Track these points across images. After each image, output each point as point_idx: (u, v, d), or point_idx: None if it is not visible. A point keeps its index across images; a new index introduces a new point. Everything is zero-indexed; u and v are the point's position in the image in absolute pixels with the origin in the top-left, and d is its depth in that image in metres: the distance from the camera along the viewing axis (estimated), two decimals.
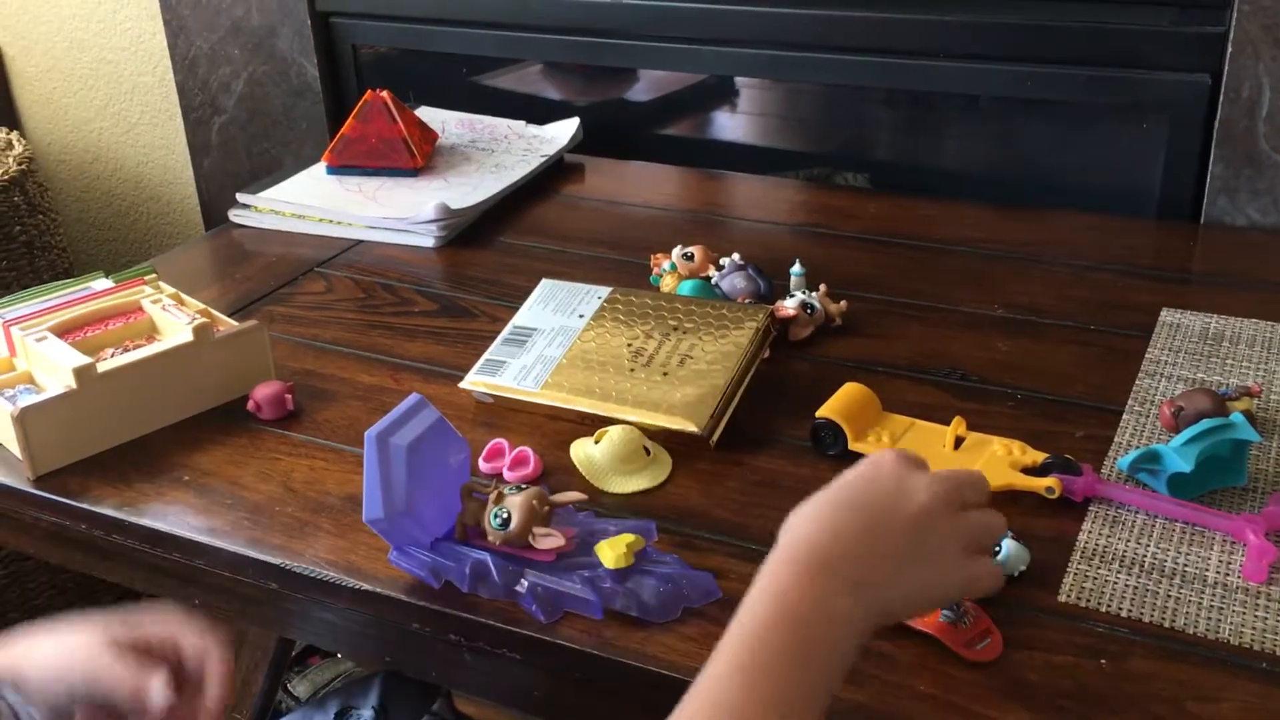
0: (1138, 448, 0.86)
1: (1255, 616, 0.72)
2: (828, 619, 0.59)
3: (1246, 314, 1.06)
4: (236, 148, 1.80)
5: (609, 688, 0.75)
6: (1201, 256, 1.22)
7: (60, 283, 1.07)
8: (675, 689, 0.69)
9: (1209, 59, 1.24)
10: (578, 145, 1.52)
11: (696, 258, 1.14)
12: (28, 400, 0.91)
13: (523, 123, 1.56)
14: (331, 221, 1.34)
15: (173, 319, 1.00)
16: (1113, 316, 1.08)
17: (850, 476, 0.66)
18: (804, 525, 0.64)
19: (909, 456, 0.67)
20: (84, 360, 0.92)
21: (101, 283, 1.07)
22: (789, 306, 1.06)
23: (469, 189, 1.38)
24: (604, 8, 1.51)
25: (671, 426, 0.91)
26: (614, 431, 0.89)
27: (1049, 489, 0.82)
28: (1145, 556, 0.78)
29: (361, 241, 1.31)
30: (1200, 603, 0.74)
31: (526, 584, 0.75)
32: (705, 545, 0.81)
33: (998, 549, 0.76)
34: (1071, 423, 0.92)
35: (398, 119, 1.41)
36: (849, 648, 0.60)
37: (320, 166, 1.44)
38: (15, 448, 0.91)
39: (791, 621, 0.59)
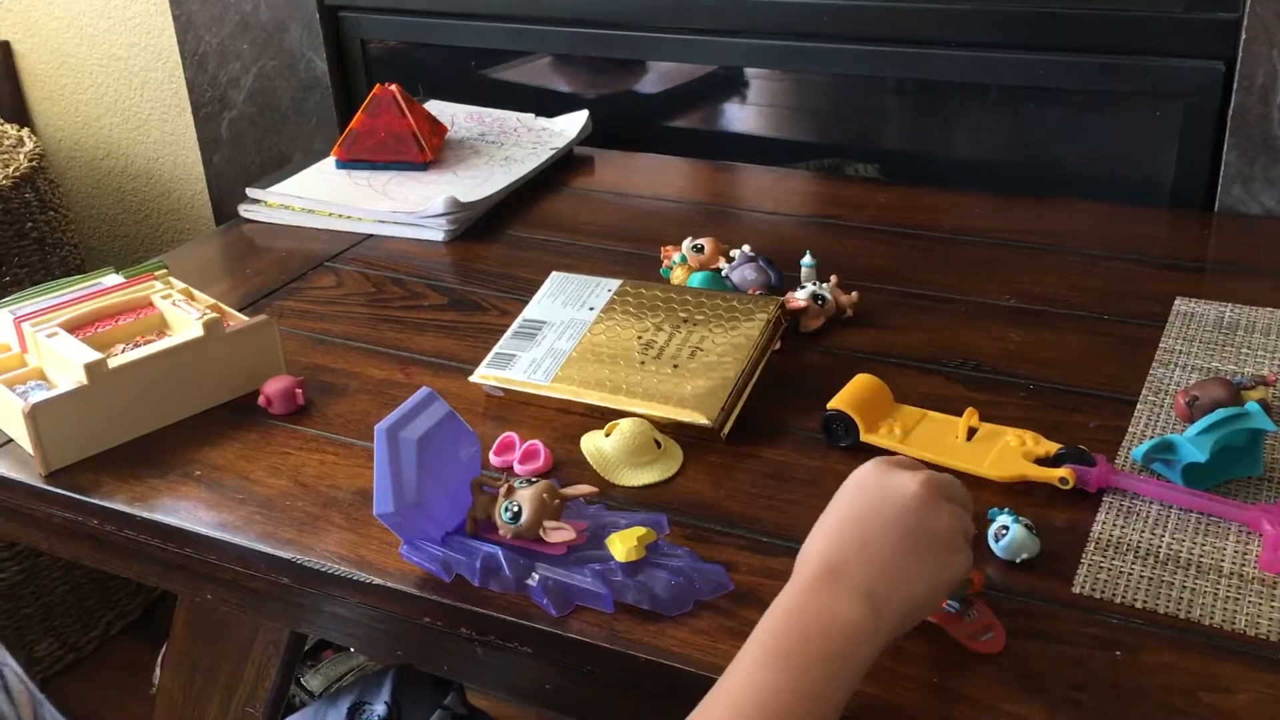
0: (1152, 438, 0.85)
1: (1271, 607, 0.72)
2: (828, 632, 0.61)
3: (1261, 302, 1.05)
4: (246, 143, 1.80)
5: (621, 681, 0.75)
6: (1216, 245, 1.21)
7: (71, 279, 1.07)
8: (687, 682, 0.69)
9: (1222, 46, 1.23)
10: (587, 138, 1.52)
11: (707, 250, 1.14)
12: (39, 396, 0.91)
13: (532, 116, 1.56)
14: (341, 216, 1.34)
15: (183, 314, 1.00)
16: (1126, 306, 1.07)
17: (845, 490, 0.69)
18: (811, 544, 0.67)
19: (887, 460, 0.70)
20: (95, 356, 0.92)
21: (112, 278, 1.07)
22: (800, 298, 1.05)
23: (478, 182, 1.37)
24: (612, 0, 1.51)
25: (682, 419, 0.91)
26: (624, 424, 0.89)
27: (1062, 480, 0.82)
28: (1160, 547, 0.77)
29: (371, 236, 1.31)
30: (1216, 594, 0.73)
31: (537, 577, 0.75)
32: (717, 538, 0.81)
33: (1005, 530, 0.76)
34: (1085, 413, 0.92)
35: (407, 113, 1.41)
36: (859, 655, 0.61)
37: (329, 161, 1.44)
38: (27, 444, 0.91)
39: (799, 635, 0.62)
